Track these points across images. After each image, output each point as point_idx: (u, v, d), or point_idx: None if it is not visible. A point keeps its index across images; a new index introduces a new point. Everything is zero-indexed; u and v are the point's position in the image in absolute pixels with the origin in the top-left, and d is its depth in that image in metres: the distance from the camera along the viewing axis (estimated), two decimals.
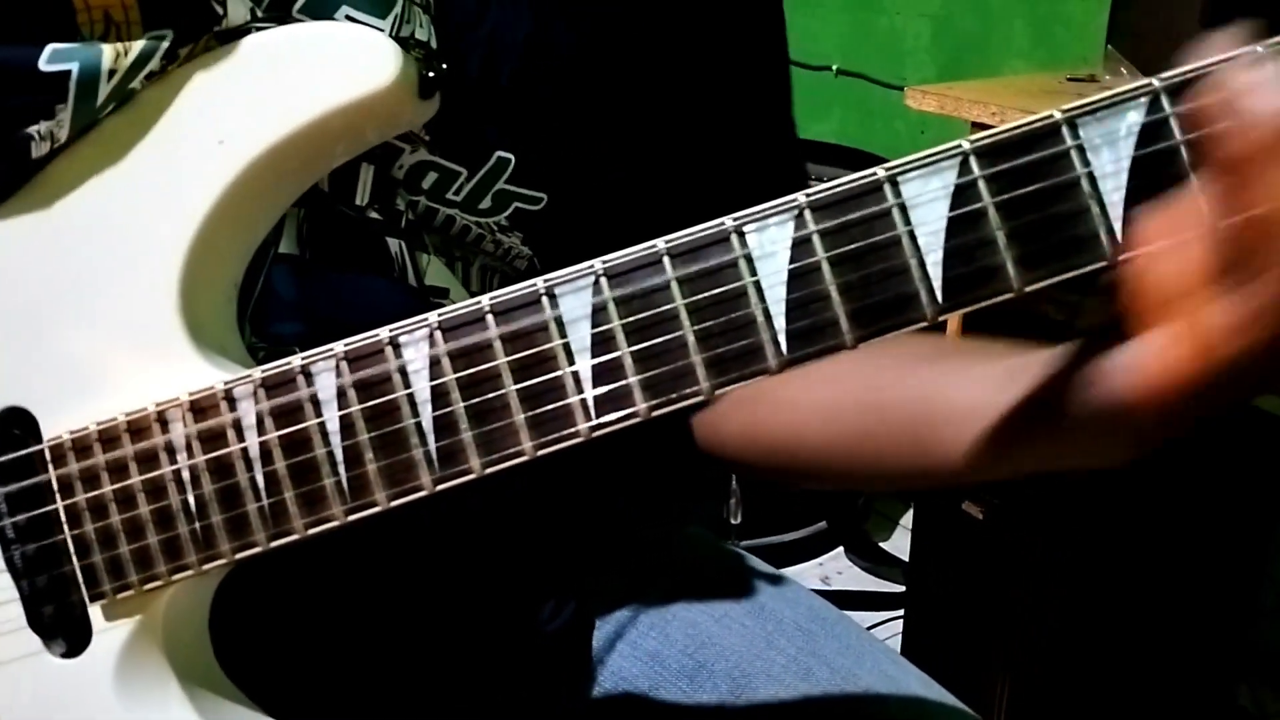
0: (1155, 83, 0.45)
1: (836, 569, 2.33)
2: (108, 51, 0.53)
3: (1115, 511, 1.38)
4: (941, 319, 0.47)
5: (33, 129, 0.54)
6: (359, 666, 0.68)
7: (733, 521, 2.04)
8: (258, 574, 0.56)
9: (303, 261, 0.62)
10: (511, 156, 0.65)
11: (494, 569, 0.72)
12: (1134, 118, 0.45)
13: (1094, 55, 1.97)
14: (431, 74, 0.56)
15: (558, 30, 0.65)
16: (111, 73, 0.53)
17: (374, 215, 0.64)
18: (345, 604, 0.67)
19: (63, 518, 0.54)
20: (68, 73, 0.53)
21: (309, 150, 0.55)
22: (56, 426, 0.54)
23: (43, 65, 0.52)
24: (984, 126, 1.43)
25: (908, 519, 2.48)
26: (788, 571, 2.33)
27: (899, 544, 2.39)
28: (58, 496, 0.54)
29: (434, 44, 0.61)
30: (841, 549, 2.35)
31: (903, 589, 2.15)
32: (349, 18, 0.59)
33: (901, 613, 1.90)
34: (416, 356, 0.51)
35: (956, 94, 1.38)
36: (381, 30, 0.60)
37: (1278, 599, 1.72)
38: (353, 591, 0.67)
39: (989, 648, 1.40)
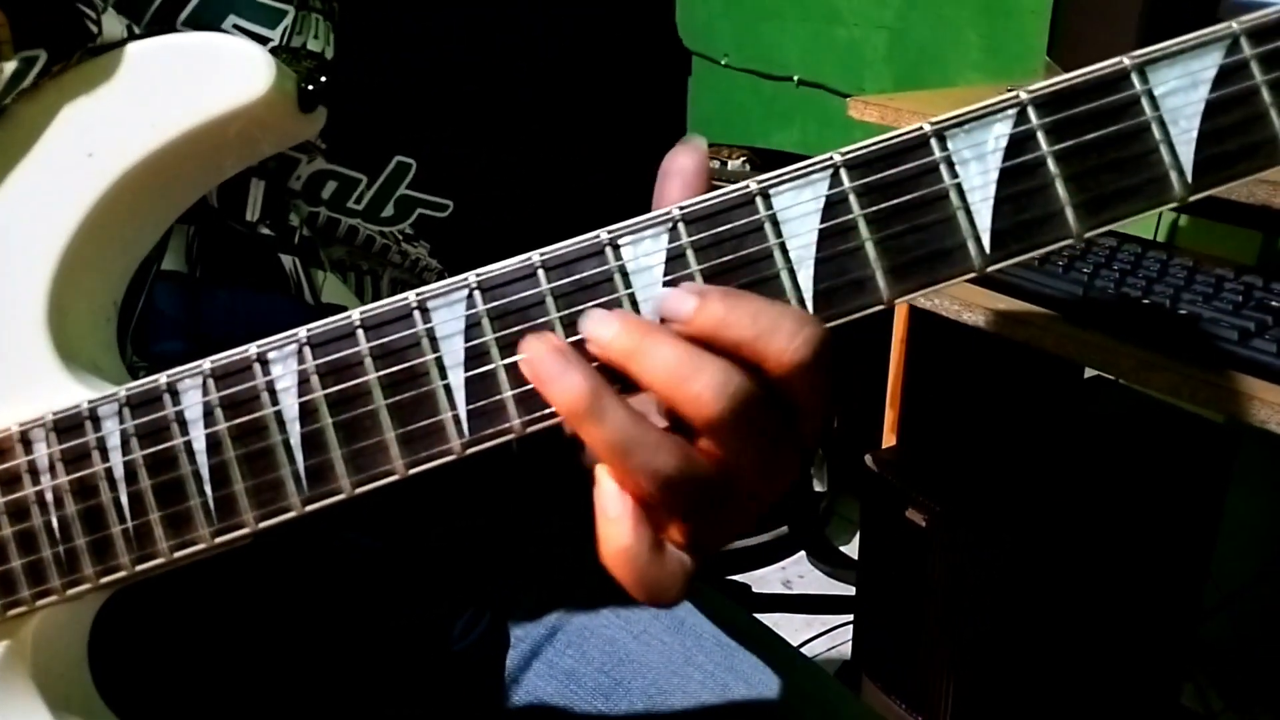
0: (1022, 95, 0.43)
1: (798, 573, 2.32)
2: None
3: (1058, 513, 1.37)
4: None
5: None
6: (254, 692, 0.66)
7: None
8: (148, 599, 0.54)
9: (191, 279, 0.60)
10: (413, 161, 0.63)
11: (404, 582, 0.70)
12: (1001, 129, 0.43)
13: (1038, 66, 1.97)
14: (311, 86, 0.54)
15: (459, 35, 0.63)
16: None
17: (266, 231, 0.62)
18: (237, 621, 0.65)
19: None
20: None
21: (184, 163, 0.54)
22: None
23: None
24: None
25: (860, 522, 2.48)
26: (749, 576, 2.31)
27: (856, 548, 2.37)
28: None
29: (329, 54, 0.59)
30: (803, 553, 2.33)
31: None
32: (237, 27, 0.57)
33: None
34: (285, 372, 0.49)
35: (897, 105, 1.37)
36: (270, 40, 0.58)
37: (1221, 597, 1.71)
38: (243, 606, 0.64)
39: (934, 650, 1.38)
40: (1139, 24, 1.26)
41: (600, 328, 0.44)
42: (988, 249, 0.44)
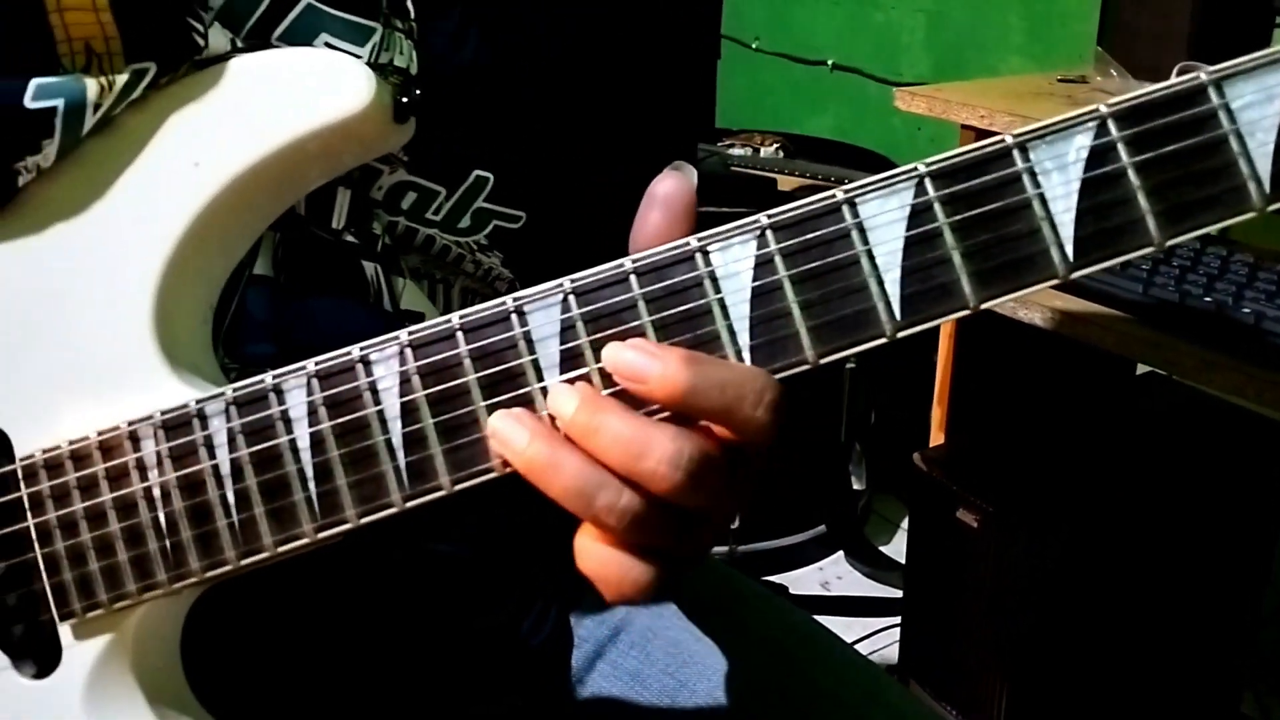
0: (1102, 108, 0.48)
1: (836, 574, 2.36)
2: (92, 86, 0.56)
3: (1114, 513, 1.41)
4: (901, 336, 0.50)
5: (19, 164, 0.57)
6: (334, 688, 0.71)
7: (731, 526, 2.07)
8: (233, 597, 0.59)
9: (277, 284, 0.65)
10: (490, 175, 0.68)
11: (482, 583, 0.75)
12: (1082, 141, 0.48)
13: (1086, 54, 2.00)
14: (406, 99, 0.59)
15: (533, 55, 0.68)
16: (96, 106, 0.56)
17: (350, 239, 0.67)
18: (322, 624, 0.70)
19: (34, 535, 0.56)
20: (54, 109, 0.55)
21: (284, 173, 0.59)
22: (29, 446, 0.57)
23: (28, 102, 0.55)
24: (973, 129, 1.48)
25: (909, 523, 2.52)
26: (786, 577, 2.35)
27: (900, 548, 2.42)
28: (29, 514, 0.56)
29: (414, 70, 0.64)
30: (841, 553, 2.38)
31: (902, 594, 2.19)
32: (329, 44, 0.61)
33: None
34: (387, 373, 0.54)
35: (946, 96, 1.41)
36: (360, 57, 0.63)
37: None
38: (329, 610, 0.69)
39: (987, 655, 1.43)
40: (1192, 13, 1.30)
41: (560, 403, 0.51)
42: (1071, 257, 0.48)
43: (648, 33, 0.77)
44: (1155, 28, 1.32)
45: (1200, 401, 1.64)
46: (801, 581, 2.32)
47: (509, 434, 0.51)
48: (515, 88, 0.69)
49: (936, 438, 1.61)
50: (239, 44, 0.60)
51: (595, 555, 0.50)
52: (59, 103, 0.56)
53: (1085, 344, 1.26)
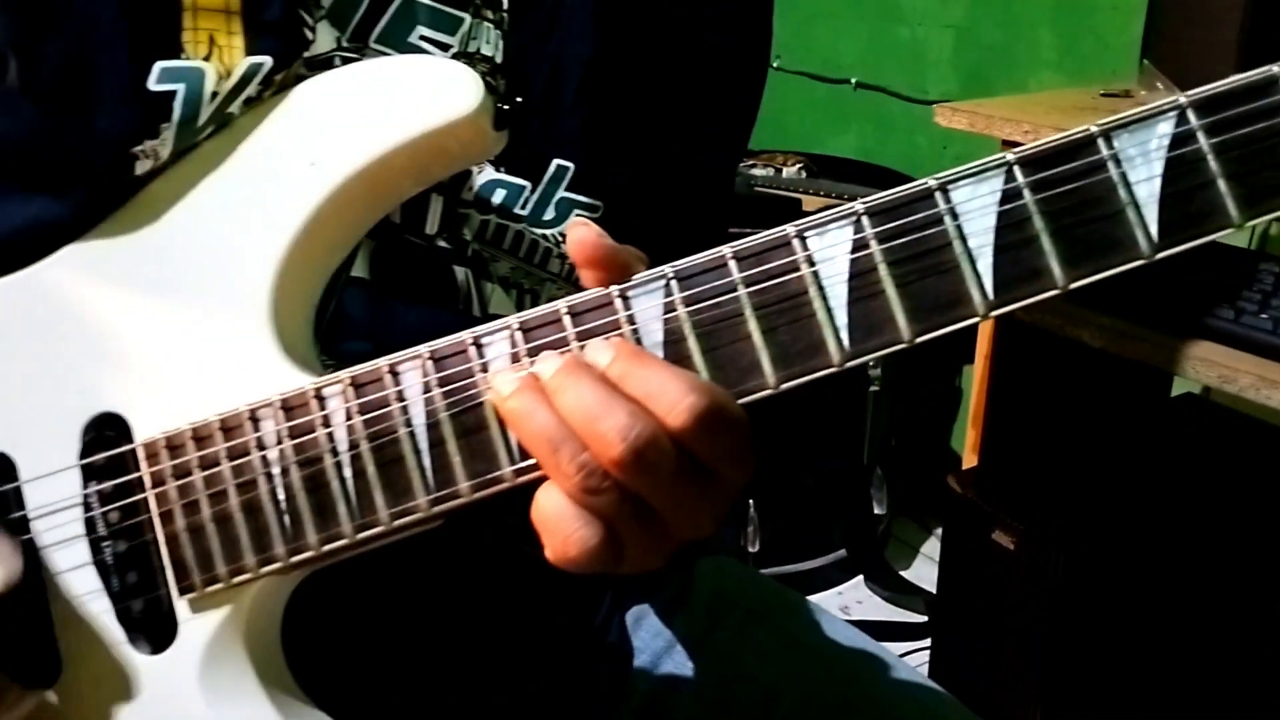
0: (1181, 99, 0.53)
1: (856, 598, 2.40)
2: (210, 73, 0.61)
3: (1152, 538, 1.46)
4: (995, 314, 0.55)
5: (138, 148, 0.62)
6: (414, 676, 0.75)
7: (750, 550, 2.11)
8: (319, 583, 0.64)
9: (373, 286, 0.70)
10: (571, 165, 0.73)
11: (559, 577, 0.79)
12: (1164, 129, 0.53)
13: (1126, 69, 2.07)
14: (506, 107, 0.64)
15: (618, 47, 0.73)
16: (214, 95, 0.61)
17: (442, 244, 0.72)
18: (407, 616, 0.74)
19: (155, 513, 0.61)
20: (174, 93, 0.61)
21: (393, 174, 0.64)
22: (148, 429, 0.62)
23: (151, 84, 0.61)
24: (1016, 145, 1.52)
25: (929, 547, 2.56)
26: None
27: (920, 573, 2.46)
28: (150, 493, 0.61)
29: (499, 59, 0.70)
30: (861, 578, 2.42)
31: (924, 619, 2.23)
32: (423, 38, 0.67)
33: (926, 643, 1.98)
34: (497, 356, 0.59)
35: (988, 111, 1.47)
36: (451, 46, 0.68)
37: None
38: (415, 603, 0.74)
39: (1021, 678, 1.47)
40: (1241, 24, 1.36)
41: (542, 365, 0.57)
42: (1155, 238, 0.54)
43: (715, 35, 0.82)
44: (1201, 41, 1.37)
45: (1236, 421, 1.69)
46: (821, 605, 2.36)
47: (499, 384, 0.57)
48: (598, 79, 0.74)
49: (970, 460, 1.65)
50: (343, 42, 0.66)
51: (550, 504, 0.55)
52: (180, 88, 0.61)
53: (1124, 363, 1.31)
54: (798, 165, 2.67)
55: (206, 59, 0.62)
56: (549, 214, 0.74)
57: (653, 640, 0.87)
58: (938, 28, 2.68)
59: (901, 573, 2.45)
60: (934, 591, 2.28)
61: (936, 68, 2.69)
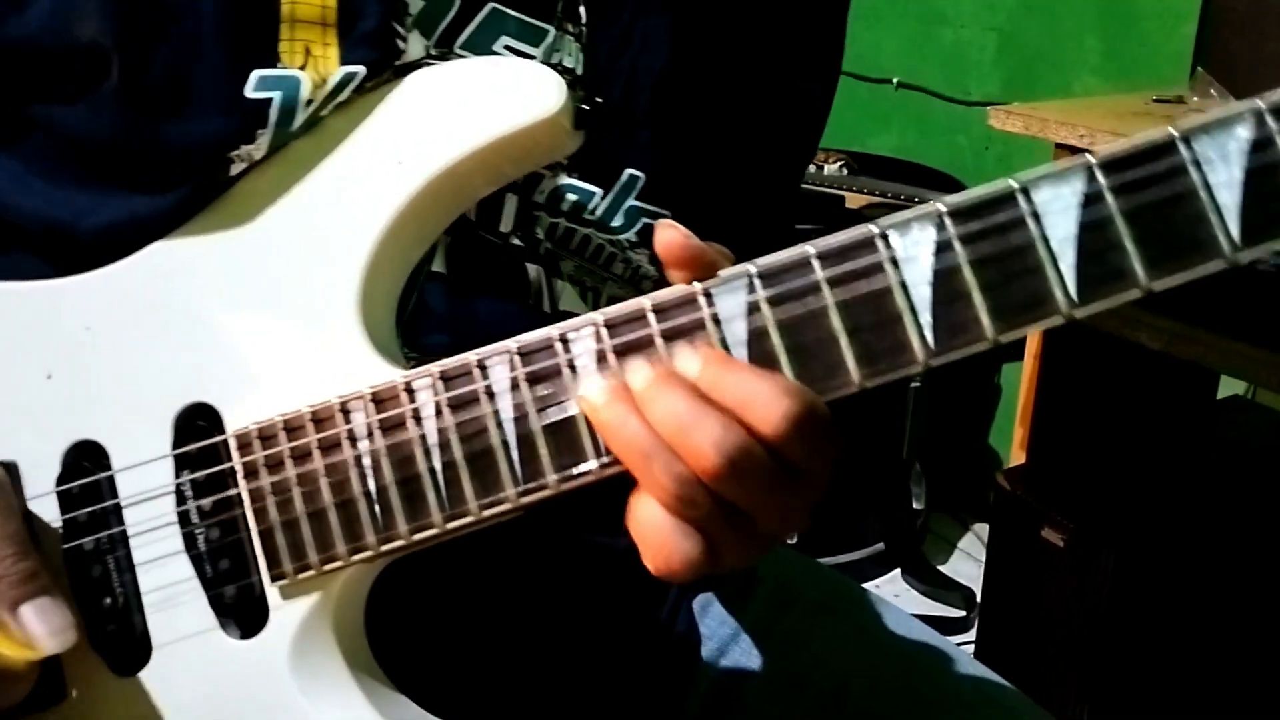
0: (1261, 104, 0.54)
1: (893, 592, 2.41)
2: (306, 82, 0.62)
3: (1201, 537, 1.45)
4: (1081, 315, 0.56)
5: (234, 152, 0.63)
6: (486, 665, 0.76)
7: (789, 541, 2.12)
8: (395, 571, 0.65)
9: (450, 281, 0.71)
10: (642, 174, 0.74)
11: (628, 568, 0.80)
12: (1243, 134, 0.54)
13: (1175, 74, 2.06)
14: (586, 107, 0.65)
15: (693, 59, 0.74)
16: (309, 102, 0.63)
17: (516, 242, 0.73)
18: (482, 605, 0.75)
19: (247, 502, 0.62)
20: (270, 100, 0.62)
21: (475, 173, 0.66)
22: (239, 420, 0.64)
23: (248, 92, 0.62)
24: (1070, 148, 1.53)
25: (966, 542, 2.56)
26: None
27: (957, 568, 2.46)
28: (242, 482, 0.63)
29: (580, 71, 0.71)
30: (898, 571, 2.42)
31: (962, 613, 2.23)
32: (507, 47, 0.68)
33: (965, 637, 1.98)
34: (583, 351, 0.60)
35: (1042, 114, 1.47)
36: (534, 57, 0.69)
37: None
38: (490, 592, 0.75)
39: (1068, 676, 1.47)
40: None
41: (633, 375, 0.57)
42: (1238, 240, 0.54)
43: (789, 43, 0.83)
44: (1256, 48, 1.37)
45: None
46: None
47: (590, 393, 0.58)
48: (672, 91, 0.75)
49: (1017, 457, 1.66)
50: (431, 50, 0.67)
51: (648, 517, 0.56)
52: (276, 95, 0.63)
53: (1170, 364, 1.31)
54: (839, 163, 2.68)
55: (302, 68, 0.63)
56: (617, 220, 0.75)
57: (719, 628, 0.88)
58: (981, 29, 2.67)
59: (939, 568, 2.46)
60: (971, 586, 2.30)
61: (979, 69, 2.69)
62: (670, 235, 0.59)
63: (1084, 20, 2.45)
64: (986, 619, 1.65)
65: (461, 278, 0.72)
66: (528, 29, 0.70)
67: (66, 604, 0.60)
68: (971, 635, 2.04)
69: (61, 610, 0.60)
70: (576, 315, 0.76)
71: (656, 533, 0.56)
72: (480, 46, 0.69)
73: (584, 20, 0.72)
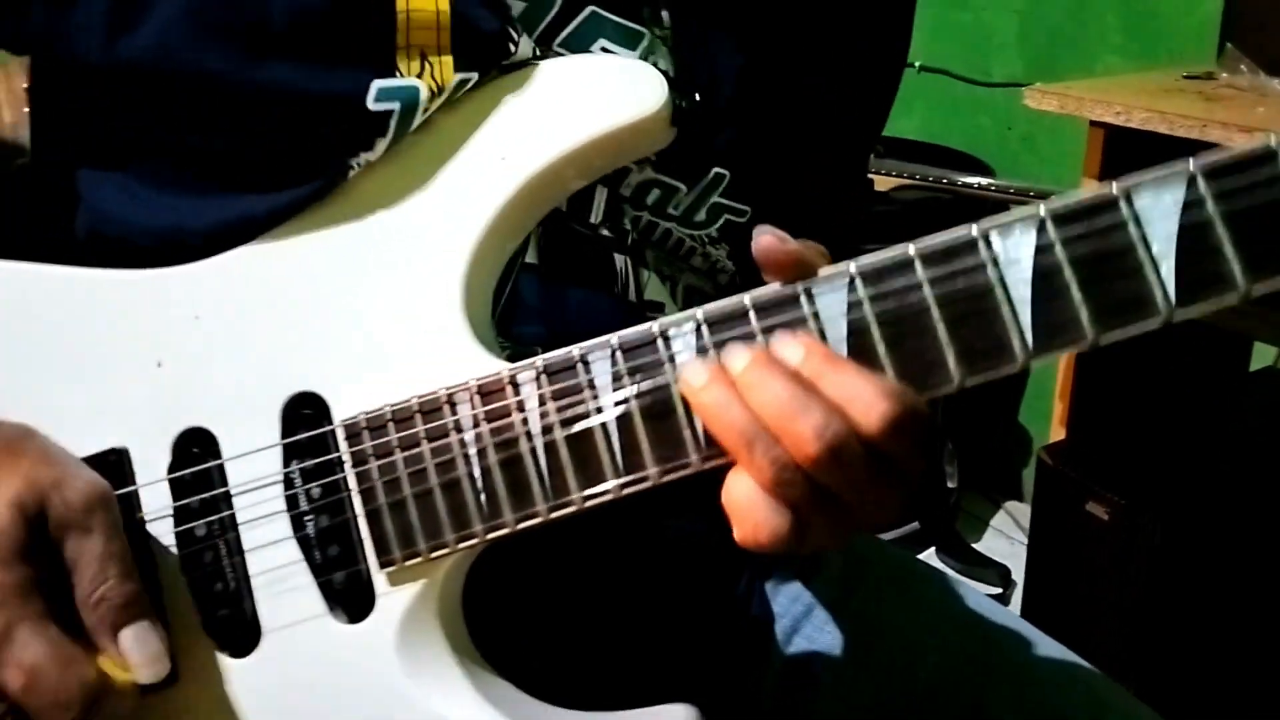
0: None
1: None
2: (424, 90, 0.63)
3: (1252, 505, 1.46)
4: (1178, 319, 0.57)
5: (354, 159, 0.64)
6: (570, 645, 0.78)
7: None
8: (485, 559, 0.66)
9: (542, 271, 0.72)
10: (727, 172, 0.75)
11: (704, 551, 0.82)
12: None
13: (1195, 52, 2.06)
14: (684, 103, 0.66)
15: (768, 58, 0.75)
16: (425, 109, 0.63)
17: (605, 233, 0.74)
18: (561, 582, 0.76)
19: (355, 490, 0.64)
20: (391, 111, 0.63)
21: (575, 167, 0.67)
22: (345, 409, 0.65)
23: (370, 104, 0.63)
24: (1106, 126, 1.53)
25: (998, 520, 2.59)
26: None
27: (990, 545, 2.49)
28: (351, 471, 0.64)
29: (672, 73, 0.71)
30: (933, 550, 2.44)
31: (999, 590, 2.25)
32: (604, 49, 0.69)
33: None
34: (684, 348, 0.61)
35: (1078, 94, 1.47)
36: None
37: None
38: (576, 574, 0.76)
39: (1115, 650, 1.48)
40: None
41: (732, 359, 0.58)
42: None
43: (859, 38, 0.84)
44: None
45: None
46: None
47: (690, 376, 0.59)
48: (751, 90, 0.76)
49: (1056, 433, 1.67)
50: (536, 51, 0.68)
51: (742, 492, 0.58)
52: (396, 106, 0.64)
53: (1203, 338, 1.31)
54: None
55: (419, 76, 0.64)
56: (700, 216, 0.76)
57: (791, 605, 0.89)
58: (1002, 11, 2.67)
59: (973, 545, 2.48)
60: (1006, 564, 2.32)
61: (1001, 51, 2.68)
62: (768, 241, 0.60)
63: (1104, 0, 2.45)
64: (1031, 593, 1.66)
65: (553, 268, 0.73)
66: (624, 32, 0.70)
67: (163, 632, 0.61)
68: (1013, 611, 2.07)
69: (158, 637, 0.61)
70: (661, 304, 0.78)
71: (750, 507, 0.58)
72: (577, 48, 0.70)
73: (667, 23, 0.72)
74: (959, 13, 2.74)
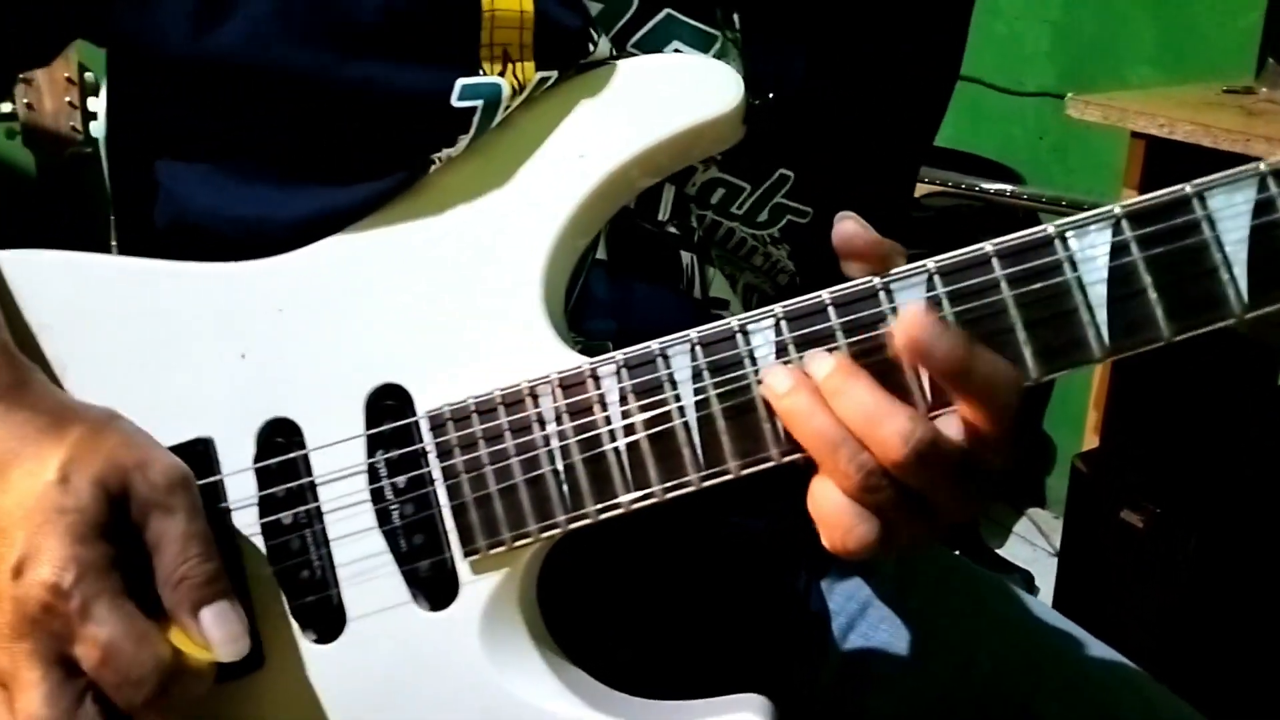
0: None
1: None
2: (506, 88, 0.64)
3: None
4: (1250, 317, 0.57)
5: (436, 155, 0.66)
6: (636, 634, 0.78)
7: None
8: (578, 554, 0.67)
9: (611, 266, 0.73)
10: (791, 174, 0.76)
11: (765, 548, 0.83)
12: None
13: (1236, 65, 2.06)
14: (758, 102, 0.67)
15: (834, 65, 0.76)
16: (506, 106, 0.65)
17: (672, 230, 0.75)
18: (634, 577, 0.77)
19: (440, 481, 0.65)
20: (474, 109, 0.64)
21: (649, 165, 0.68)
22: (427, 401, 0.66)
23: (454, 101, 0.64)
24: (1148, 138, 1.54)
25: (1021, 527, 2.59)
26: None
27: (1013, 551, 2.49)
28: (435, 462, 0.65)
29: (742, 75, 0.72)
30: (957, 554, 2.44)
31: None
32: (677, 51, 0.70)
33: None
34: (763, 343, 0.62)
35: (1121, 104, 1.48)
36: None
37: None
38: (643, 565, 0.77)
39: (1148, 656, 1.48)
40: None
41: (815, 366, 0.59)
42: None
43: (916, 42, 0.85)
44: None
45: None
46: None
47: (774, 381, 0.60)
48: (815, 93, 0.77)
49: (1090, 441, 1.67)
50: (613, 51, 0.69)
51: (829, 500, 0.59)
52: (479, 103, 0.65)
53: (1234, 349, 1.31)
54: None
55: (501, 74, 0.65)
56: (763, 216, 0.77)
57: (847, 603, 0.90)
58: (1035, 21, 2.67)
59: (997, 551, 2.48)
60: (1028, 569, 2.32)
61: (1033, 61, 2.69)
62: (850, 227, 0.61)
63: (1138, 11, 2.45)
64: (1061, 599, 1.66)
65: (621, 264, 0.74)
66: (698, 35, 0.71)
67: (242, 612, 0.62)
68: None
69: (238, 617, 0.61)
70: (726, 301, 0.79)
71: (836, 514, 0.59)
72: (651, 49, 0.70)
73: (738, 27, 0.73)
74: (993, 22, 2.74)
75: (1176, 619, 1.47)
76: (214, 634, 0.61)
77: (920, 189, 2.43)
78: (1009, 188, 2.47)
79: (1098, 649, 0.89)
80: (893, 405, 0.57)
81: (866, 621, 0.90)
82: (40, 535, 0.58)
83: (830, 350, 0.60)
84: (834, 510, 0.59)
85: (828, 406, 0.58)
